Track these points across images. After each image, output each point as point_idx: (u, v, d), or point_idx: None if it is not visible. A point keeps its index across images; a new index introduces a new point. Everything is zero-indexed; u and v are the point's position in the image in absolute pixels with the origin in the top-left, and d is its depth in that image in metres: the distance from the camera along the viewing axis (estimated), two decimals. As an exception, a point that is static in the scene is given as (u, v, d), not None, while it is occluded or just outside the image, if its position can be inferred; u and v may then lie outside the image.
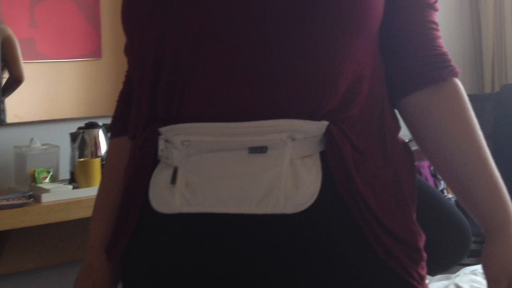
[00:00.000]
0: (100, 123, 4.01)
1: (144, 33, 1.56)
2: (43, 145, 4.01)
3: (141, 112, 1.60)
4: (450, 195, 3.72)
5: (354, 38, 1.49)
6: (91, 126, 4.02)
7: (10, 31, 4.09)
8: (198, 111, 1.48)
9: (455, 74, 1.61)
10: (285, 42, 1.44)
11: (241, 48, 1.45)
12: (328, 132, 1.45)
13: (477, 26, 5.70)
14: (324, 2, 1.44)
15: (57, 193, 3.68)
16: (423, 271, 1.54)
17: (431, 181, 4.22)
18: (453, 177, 1.61)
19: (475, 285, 3.45)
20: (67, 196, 3.70)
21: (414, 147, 1.65)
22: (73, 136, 4.01)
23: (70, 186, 3.80)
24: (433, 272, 1.89)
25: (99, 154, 3.94)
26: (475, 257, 3.71)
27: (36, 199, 3.65)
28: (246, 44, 1.45)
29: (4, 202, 3.52)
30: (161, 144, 1.53)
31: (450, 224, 2.77)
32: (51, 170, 3.88)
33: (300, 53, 1.44)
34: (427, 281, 1.55)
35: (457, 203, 2.48)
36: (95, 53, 4.39)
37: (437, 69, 1.59)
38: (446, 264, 2.83)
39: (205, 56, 1.47)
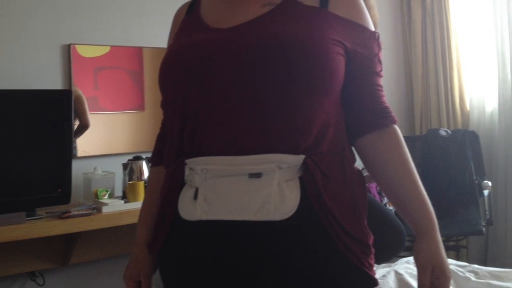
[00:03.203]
0: (144, 156, 4.01)
1: (174, 94, 1.57)
2: (103, 172, 4.00)
3: (172, 149, 1.60)
4: (391, 207, 3.70)
5: (323, 96, 1.50)
6: (137, 158, 4.02)
7: (80, 92, 4.09)
8: (212, 148, 1.48)
9: (395, 122, 1.61)
10: (274, 100, 1.45)
11: (242, 105, 1.46)
12: (304, 163, 1.46)
13: (410, 88, 5.71)
14: (302, 72, 1.45)
15: (113, 206, 3.67)
16: (372, 261, 1.54)
17: (377, 197, 4.20)
18: (393, 194, 1.60)
19: (409, 270, 3.43)
20: (120, 208, 3.69)
21: (365, 173, 1.65)
22: (125, 166, 4.01)
23: (122, 201, 3.79)
24: (378, 261, 1.88)
25: (143, 178, 3.93)
26: (408, 251, 3.69)
27: (98, 210, 3.64)
28: (246, 102, 1.46)
29: (76, 212, 3.52)
30: (187, 171, 1.54)
31: (390, 228, 2.76)
32: (109, 189, 3.88)
33: (285, 107, 1.45)
34: (374, 268, 1.55)
35: (396, 213, 2.48)
36: (140, 107, 4.39)
37: (381, 118, 1.59)
38: (388, 256, 2.83)
39: (217, 110, 1.48)
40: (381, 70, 1.64)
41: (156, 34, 4.36)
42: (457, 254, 4.99)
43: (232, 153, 1.47)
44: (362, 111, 1.60)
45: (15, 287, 3.86)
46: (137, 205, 3.56)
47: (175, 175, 1.57)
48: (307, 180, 1.46)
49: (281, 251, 1.45)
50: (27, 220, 3.40)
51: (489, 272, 3.43)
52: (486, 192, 4.73)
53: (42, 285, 3.90)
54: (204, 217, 1.48)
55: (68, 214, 3.50)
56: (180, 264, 1.57)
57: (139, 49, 4.39)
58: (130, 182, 3.89)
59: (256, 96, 1.46)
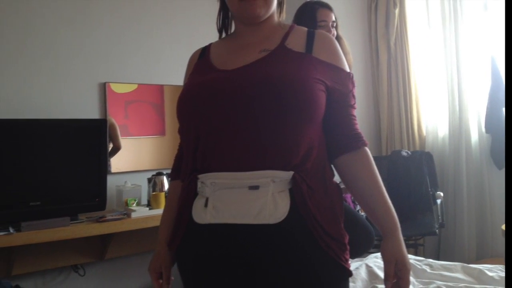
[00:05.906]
0: (164, 172, 4.01)
1: (189, 123, 1.57)
2: (132, 185, 4.01)
3: (187, 166, 1.60)
4: (362, 213, 3.68)
5: (309, 124, 1.50)
6: (159, 174, 4.02)
7: (113, 120, 4.11)
8: (220, 166, 1.48)
9: (366, 145, 1.61)
10: (269, 127, 1.45)
11: (243, 131, 1.46)
12: (293, 177, 1.45)
13: (377, 117, 5.72)
14: (292, 105, 1.45)
15: (140, 212, 3.67)
16: (348, 256, 1.53)
17: (351, 205, 4.19)
18: (364, 203, 1.59)
19: (377, 264, 3.43)
20: (145, 214, 3.68)
21: (342, 186, 1.64)
22: (149, 180, 4.02)
23: (147, 208, 3.79)
24: (353, 257, 1.87)
25: (163, 190, 3.93)
26: (376, 248, 3.68)
27: (128, 215, 3.64)
28: (246, 129, 1.46)
29: (110, 217, 3.53)
30: (199, 184, 1.53)
31: (362, 229, 2.76)
32: (136, 199, 3.88)
33: (278, 133, 1.45)
34: (349, 262, 1.54)
35: (366, 217, 2.47)
36: (161, 132, 4.39)
37: (355, 141, 1.59)
38: (360, 252, 2.82)
39: (223, 136, 1.48)
40: (354, 103, 1.64)
41: (175, 74, 4.39)
42: (415, 251, 4.99)
43: (235, 170, 1.46)
44: (340, 136, 1.60)
45: (61, 277, 3.88)
46: (159, 211, 3.58)
47: (190, 187, 1.57)
48: (295, 191, 1.45)
49: (274, 248, 1.44)
50: (71, 223, 3.42)
51: (441, 265, 3.46)
52: (439, 201, 4.74)
53: (83, 275, 3.92)
54: (213, 221, 1.47)
55: (104, 219, 3.51)
56: (193, 259, 1.56)
57: (161, 86, 4.41)
58: (154, 193, 3.90)
59: (254, 124, 1.46)
